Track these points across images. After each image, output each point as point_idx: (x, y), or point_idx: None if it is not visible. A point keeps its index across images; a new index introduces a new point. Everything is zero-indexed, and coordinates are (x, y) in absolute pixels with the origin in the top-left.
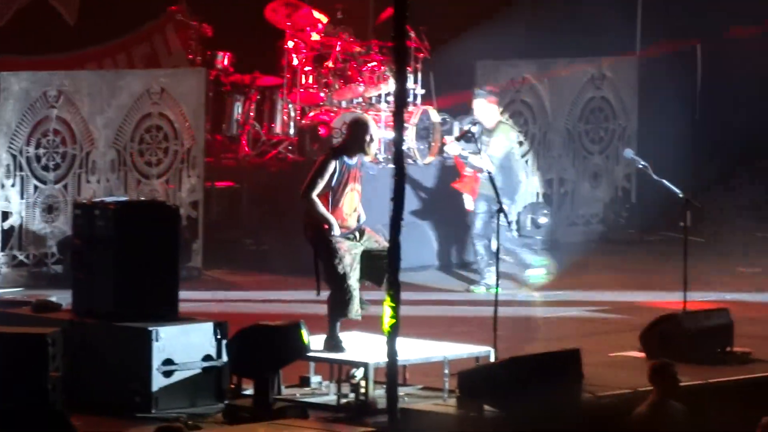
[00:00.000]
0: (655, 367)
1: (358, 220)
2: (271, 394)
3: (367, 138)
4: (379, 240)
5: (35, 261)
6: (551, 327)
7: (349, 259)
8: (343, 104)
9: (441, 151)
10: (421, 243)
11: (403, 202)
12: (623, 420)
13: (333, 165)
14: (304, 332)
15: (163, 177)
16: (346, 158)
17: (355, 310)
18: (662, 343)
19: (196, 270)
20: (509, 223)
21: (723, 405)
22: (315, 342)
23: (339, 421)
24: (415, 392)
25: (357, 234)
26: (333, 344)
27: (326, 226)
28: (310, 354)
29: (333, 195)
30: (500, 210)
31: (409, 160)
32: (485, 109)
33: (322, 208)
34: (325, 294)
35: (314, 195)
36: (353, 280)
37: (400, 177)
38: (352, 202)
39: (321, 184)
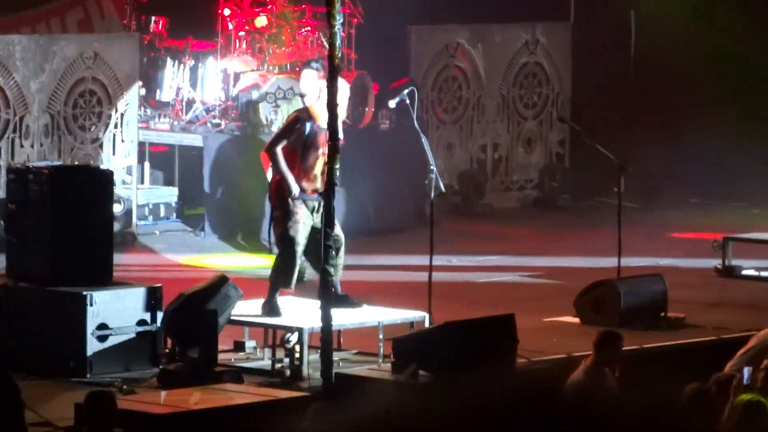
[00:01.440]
0: (604, 334)
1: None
2: (213, 358)
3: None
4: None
5: None
6: (486, 292)
7: (302, 227)
8: (277, 69)
9: (375, 115)
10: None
11: (334, 166)
12: (558, 386)
13: (302, 124)
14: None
15: (96, 142)
16: (318, 122)
17: (293, 280)
18: (596, 308)
19: (130, 235)
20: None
21: (657, 371)
22: (250, 306)
23: (274, 386)
24: (350, 357)
25: (317, 204)
26: (270, 308)
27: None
28: (245, 318)
29: (301, 153)
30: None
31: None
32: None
33: (283, 165)
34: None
35: (278, 149)
36: (300, 249)
37: (334, 144)
38: (320, 166)
39: (284, 140)
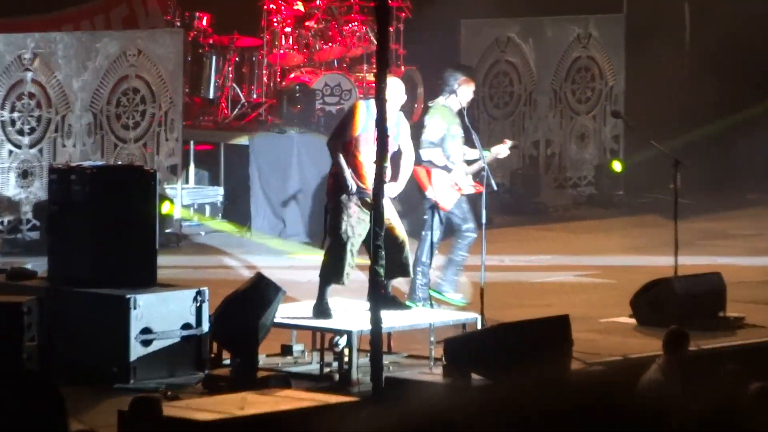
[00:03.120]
0: (676, 333)
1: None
2: (255, 362)
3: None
4: (396, 222)
5: (10, 227)
6: (539, 292)
7: (355, 221)
8: (324, 66)
9: (423, 113)
10: None
11: (384, 166)
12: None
13: (362, 113)
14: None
15: (140, 141)
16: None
17: (346, 274)
18: (653, 308)
19: (175, 236)
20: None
21: (716, 372)
22: (298, 309)
23: (322, 391)
24: (401, 360)
25: None
26: (321, 309)
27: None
28: (292, 321)
29: (357, 145)
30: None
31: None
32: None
33: (341, 161)
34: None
35: (338, 142)
36: (352, 245)
37: (383, 141)
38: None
39: (347, 133)
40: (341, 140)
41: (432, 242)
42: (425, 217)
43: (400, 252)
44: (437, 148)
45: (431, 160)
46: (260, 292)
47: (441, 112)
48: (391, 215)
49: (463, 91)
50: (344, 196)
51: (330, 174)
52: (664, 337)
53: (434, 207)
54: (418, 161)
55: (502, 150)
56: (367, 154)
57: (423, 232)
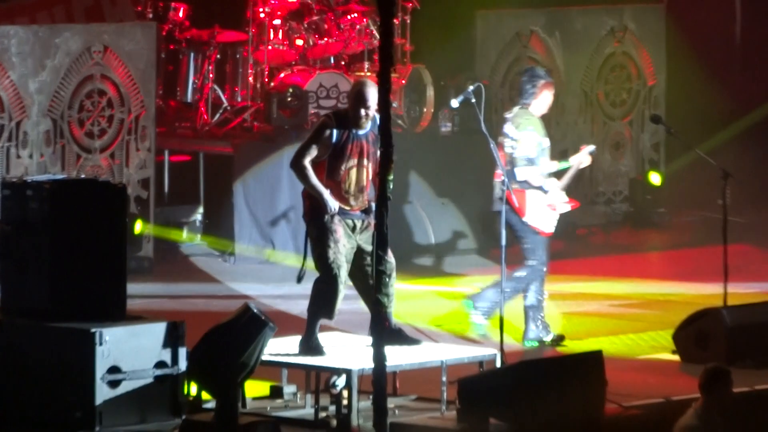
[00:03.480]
0: (713, 372)
1: (367, 211)
2: (236, 406)
3: (362, 111)
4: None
5: None
6: (568, 324)
7: (342, 247)
8: (319, 64)
9: (434, 117)
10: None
11: (387, 177)
12: None
13: (330, 131)
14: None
15: (107, 151)
16: (354, 128)
17: (336, 310)
18: (700, 343)
19: (147, 260)
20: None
21: None
22: (287, 344)
23: None
24: (408, 404)
25: (359, 223)
26: (310, 346)
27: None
28: (282, 359)
29: (329, 166)
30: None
31: (399, 129)
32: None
33: (313, 179)
34: (306, 286)
35: (306, 162)
36: (343, 275)
37: (388, 148)
38: (356, 181)
39: (313, 152)
40: (307, 159)
41: (542, 274)
42: (526, 246)
43: (386, 281)
44: (533, 166)
45: (527, 180)
46: (246, 326)
47: (533, 123)
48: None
49: (544, 97)
50: (327, 219)
51: (304, 196)
52: (701, 376)
53: (534, 234)
54: (511, 181)
55: (584, 158)
56: (345, 170)
57: (529, 263)
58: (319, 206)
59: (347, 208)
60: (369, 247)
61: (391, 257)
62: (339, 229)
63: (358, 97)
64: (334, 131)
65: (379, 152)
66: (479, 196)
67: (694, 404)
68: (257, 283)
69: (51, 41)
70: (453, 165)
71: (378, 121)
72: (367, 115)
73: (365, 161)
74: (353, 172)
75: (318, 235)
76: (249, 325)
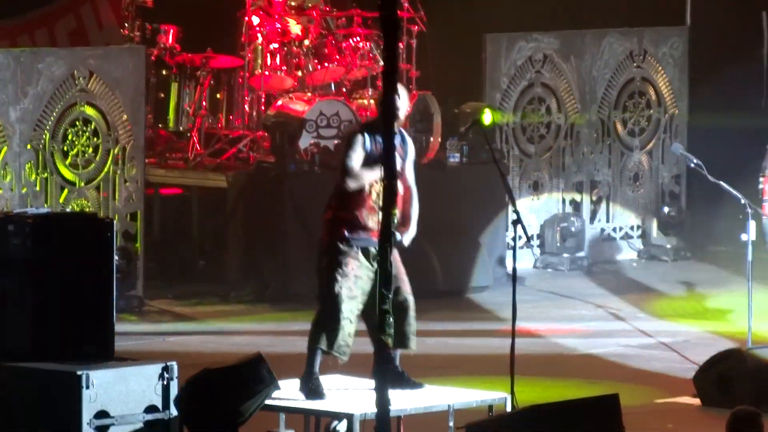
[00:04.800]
0: (739, 416)
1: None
2: None
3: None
4: (401, 280)
5: None
6: (582, 366)
7: (353, 281)
8: (320, 90)
9: (442, 147)
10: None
11: (392, 210)
12: None
13: (362, 138)
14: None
15: (93, 183)
16: (379, 137)
17: (343, 345)
18: (722, 386)
19: (137, 299)
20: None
21: None
22: (285, 388)
23: None
24: None
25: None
26: (310, 387)
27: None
28: (280, 403)
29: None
30: (517, 221)
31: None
32: None
33: (367, 172)
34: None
35: (356, 166)
36: (348, 309)
37: (391, 178)
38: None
39: (358, 157)
40: (356, 164)
41: None
42: None
43: (403, 318)
44: None
45: None
46: (254, 376)
47: None
48: (398, 271)
49: None
50: (341, 247)
51: (324, 223)
52: (728, 420)
53: None
54: None
55: None
56: (375, 181)
57: None
58: (337, 236)
59: (374, 226)
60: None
61: (409, 291)
62: (352, 262)
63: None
64: (367, 137)
65: (406, 166)
66: (489, 229)
67: None
68: (252, 322)
69: (33, 66)
70: (460, 198)
71: (406, 138)
72: (397, 117)
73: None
74: (379, 184)
75: (327, 265)
76: (257, 375)
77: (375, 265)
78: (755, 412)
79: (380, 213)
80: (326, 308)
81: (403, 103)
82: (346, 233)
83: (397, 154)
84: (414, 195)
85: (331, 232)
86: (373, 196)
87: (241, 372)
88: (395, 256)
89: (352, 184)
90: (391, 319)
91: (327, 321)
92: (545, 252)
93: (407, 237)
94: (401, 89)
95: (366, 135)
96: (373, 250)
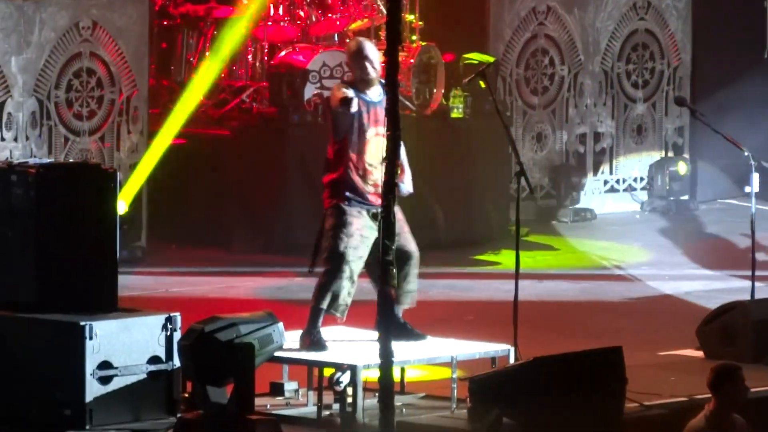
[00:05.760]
0: (718, 371)
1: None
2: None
3: (368, 67)
4: (404, 238)
5: None
6: (586, 319)
7: (357, 240)
8: (323, 41)
9: (446, 98)
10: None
11: (396, 162)
12: None
13: (348, 90)
14: (278, 329)
15: (96, 133)
16: (363, 95)
17: (343, 304)
18: (725, 339)
19: (140, 249)
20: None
21: None
22: (289, 339)
23: None
24: (416, 402)
25: (379, 213)
26: (312, 339)
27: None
28: (283, 354)
29: (351, 141)
30: (520, 173)
31: (407, 111)
32: None
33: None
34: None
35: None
36: (353, 269)
37: (395, 131)
38: (378, 151)
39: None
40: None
41: None
42: None
43: (405, 276)
44: None
45: None
46: (264, 331)
47: None
48: (400, 229)
49: None
50: (344, 207)
51: (324, 184)
52: (708, 377)
53: None
54: None
55: None
56: (365, 141)
57: None
58: (339, 197)
59: (370, 189)
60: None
61: (411, 248)
62: (355, 221)
63: (360, 54)
64: (352, 93)
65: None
66: (493, 182)
67: (707, 405)
68: (254, 274)
69: (36, 16)
70: (463, 150)
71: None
72: (375, 69)
73: (383, 129)
74: (373, 143)
75: (332, 226)
76: (269, 332)
77: (377, 223)
78: (735, 366)
79: (377, 168)
80: (333, 268)
81: (374, 51)
82: (347, 194)
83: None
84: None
85: (332, 194)
86: (367, 157)
87: (250, 325)
88: (398, 214)
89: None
90: (395, 270)
91: (333, 281)
92: (552, 204)
93: (407, 182)
94: (371, 45)
95: (350, 88)
96: (374, 210)
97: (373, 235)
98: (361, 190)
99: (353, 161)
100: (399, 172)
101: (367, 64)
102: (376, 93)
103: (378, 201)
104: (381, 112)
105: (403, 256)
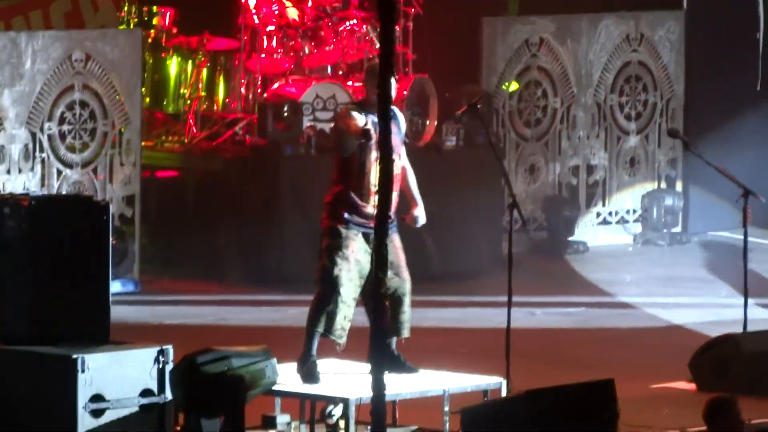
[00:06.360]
0: (714, 405)
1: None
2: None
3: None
4: (398, 266)
5: None
6: (578, 352)
7: (352, 264)
8: (316, 73)
9: (438, 130)
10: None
11: (390, 195)
12: None
13: (357, 113)
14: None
15: (89, 166)
16: (372, 115)
17: (339, 328)
18: (718, 371)
19: (133, 282)
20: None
21: None
22: (281, 372)
23: None
24: None
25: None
26: (306, 370)
27: (360, 130)
28: (276, 387)
29: (358, 160)
30: (513, 205)
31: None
32: None
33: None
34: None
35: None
36: (346, 292)
37: (387, 163)
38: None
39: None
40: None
41: None
42: None
43: (398, 306)
44: None
45: None
46: (258, 365)
47: None
48: (396, 257)
49: None
50: (341, 230)
51: (324, 204)
52: (704, 410)
53: None
54: None
55: None
56: (371, 162)
57: None
58: (336, 218)
59: (371, 211)
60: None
61: (407, 277)
62: (351, 245)
63: (375, 75)
64: (361, 114)
65: (402, 144)
66: (485, 214)
67: None
68: (247, 305)
69: (28, 48)
70: (456, 181)
71: (397, 114)
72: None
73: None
74: (377, 165)
75: (327, 246)
76: (262, 368)
77: (370, 251)
78: (730, 399)
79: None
80: (325, 291)
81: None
82: (345, 215)
83: (393, 130)
84: (410, 171)
85: (331, 215)
86: (372, 178)
87: (244, 360)
88: (396, 242)
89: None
90: (401, 302)
91: (326, 304)
92: (545, 237)
93: (420, 214)
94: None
95: (361, 113)
96: (372, 234)
97: (367, 260)
98: (362, 210)
99: (357, 181)
100: (395, 204)
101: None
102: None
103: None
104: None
105: (396, 286)
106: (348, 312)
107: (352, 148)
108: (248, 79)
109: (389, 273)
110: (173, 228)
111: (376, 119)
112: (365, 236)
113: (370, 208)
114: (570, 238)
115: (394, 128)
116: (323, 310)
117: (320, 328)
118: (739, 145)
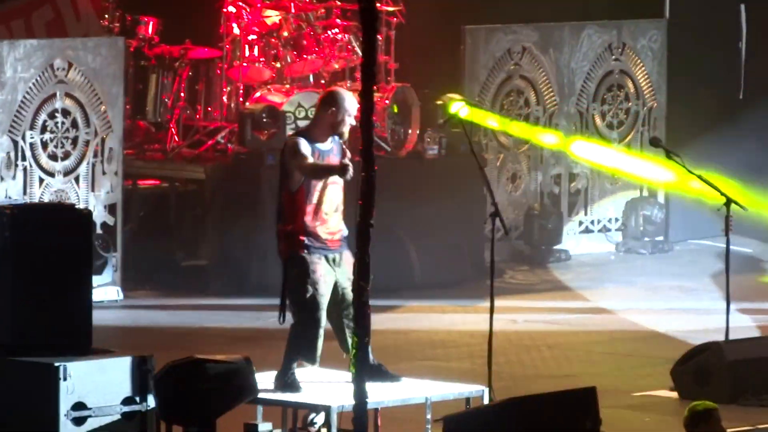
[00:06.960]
0: (694, 412)
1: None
2: None
3: (339, 116)
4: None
5: None
6: (560, 360)
7: (324, 287)
8: (298, 82)
9: (420, 139)
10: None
11: (372, 205)
12: None
13: (305, 146)
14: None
15: (71, 174)
16: (318, 144)
17: (317, 355)
18: (700, 379)
19: (115, 290)
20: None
21: None
22: (262, 380)
23: None
24: None
25: (338, 256)
26: (287, 382)
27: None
28: (259, 396)
29: (308, 190)
30: (495, 214)
31: (382, 152)
32: None
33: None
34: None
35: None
36: (323, 317)
37: (370, 173)
38: (333, 199)
39: (308, 158)
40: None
41: None
42: None
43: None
44: None
45: None
46: (239, 376)
47: None
48: (351, 270)
49: None
50: (305, 255)
51: (279, 235)
52: (685, 417)
53: None
54: None
55: None
56: (321, 190)
57: None
58: (296, 243)
59: (327, 236)
60: (345, 282)
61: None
62: (318, 268)
63: (338, 101)
64: (306, 143)
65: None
66: (468, 223)
67: None
68: (230, 315)
69: (10, 56)
70: (438, 190)
71: (338, 139)
72: (351, 117)
73: (336, 178)
74: (328, 191)
75: (296, 276)
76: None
77: (335, 268)
78: (711, 406)
79: (333, 216)
80: (303, 319)
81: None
82: (306, 242)
83: (337, 154)
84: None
85: (291, 244)
86: (324, 207)
87: (225, 370)
88: (350, 258)
89: (303, 170)
90: (368, 312)
91: (306, 331)
92: (526, 246)
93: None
94: (352, 97)
95: (305, 142)
96: (332, 254)
97: (332, 280)
98: (319, 236)
99: (311, 211)
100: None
101: (345, 115)
102: (328, 142)
103: (335, 245)
104: (334, 159)
105: (346, 299)
106: (323, 333)
107: (300, 180)
108: (230, 88)
109: (347, 284)
110: (154, 237)
111: (321, 146)
112: (326, 258)
113: (326, 234)
114: (552, 246)
115: (335, 151)
116: (304, 337)
117: (301, 355)
118: (722, 153)
